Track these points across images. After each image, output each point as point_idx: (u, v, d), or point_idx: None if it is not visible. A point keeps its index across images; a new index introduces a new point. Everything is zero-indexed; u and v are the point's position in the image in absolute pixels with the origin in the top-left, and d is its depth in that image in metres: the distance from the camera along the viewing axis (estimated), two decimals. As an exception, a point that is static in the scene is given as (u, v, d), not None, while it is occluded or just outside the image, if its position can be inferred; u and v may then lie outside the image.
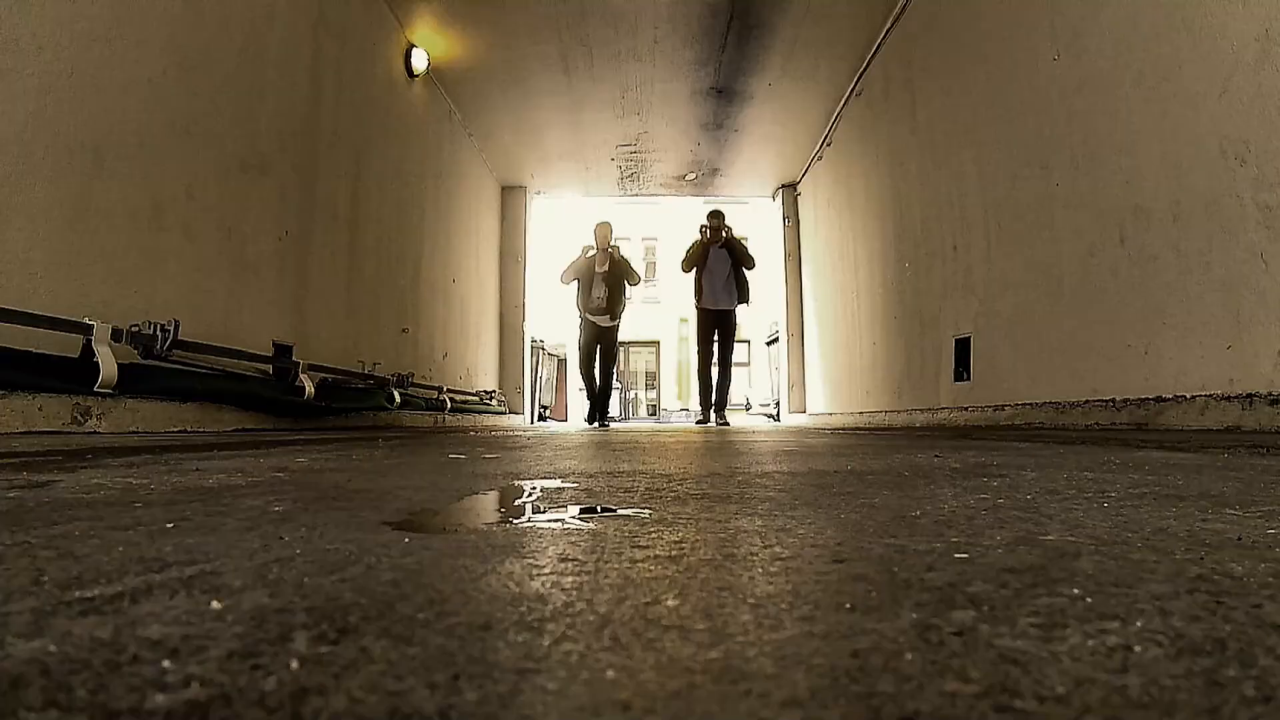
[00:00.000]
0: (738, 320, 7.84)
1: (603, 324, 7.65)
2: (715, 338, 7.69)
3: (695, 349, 7.84)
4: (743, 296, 7.72)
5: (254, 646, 0.37)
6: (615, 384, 8.20)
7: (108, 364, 2.77)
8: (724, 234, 7.68)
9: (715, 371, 7.70)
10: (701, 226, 7.77)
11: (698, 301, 7.75)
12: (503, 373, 10.02)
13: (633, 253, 25.49)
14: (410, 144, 6.63)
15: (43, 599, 0.46)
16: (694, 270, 7.75)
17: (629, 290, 7.78)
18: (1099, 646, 0.37)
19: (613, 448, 2.43)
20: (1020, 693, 0.32)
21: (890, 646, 0.37)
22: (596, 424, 7.41)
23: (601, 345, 7.71)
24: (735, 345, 7.86)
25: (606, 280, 7.59)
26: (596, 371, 7.71)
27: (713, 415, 7.69)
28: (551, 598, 0.47)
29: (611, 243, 7.63)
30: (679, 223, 24.07)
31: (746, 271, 7.69)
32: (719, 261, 7.65)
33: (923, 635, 0.39)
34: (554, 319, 12.25)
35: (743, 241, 7.96)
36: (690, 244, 7.85)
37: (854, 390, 7.70)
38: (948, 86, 5.23)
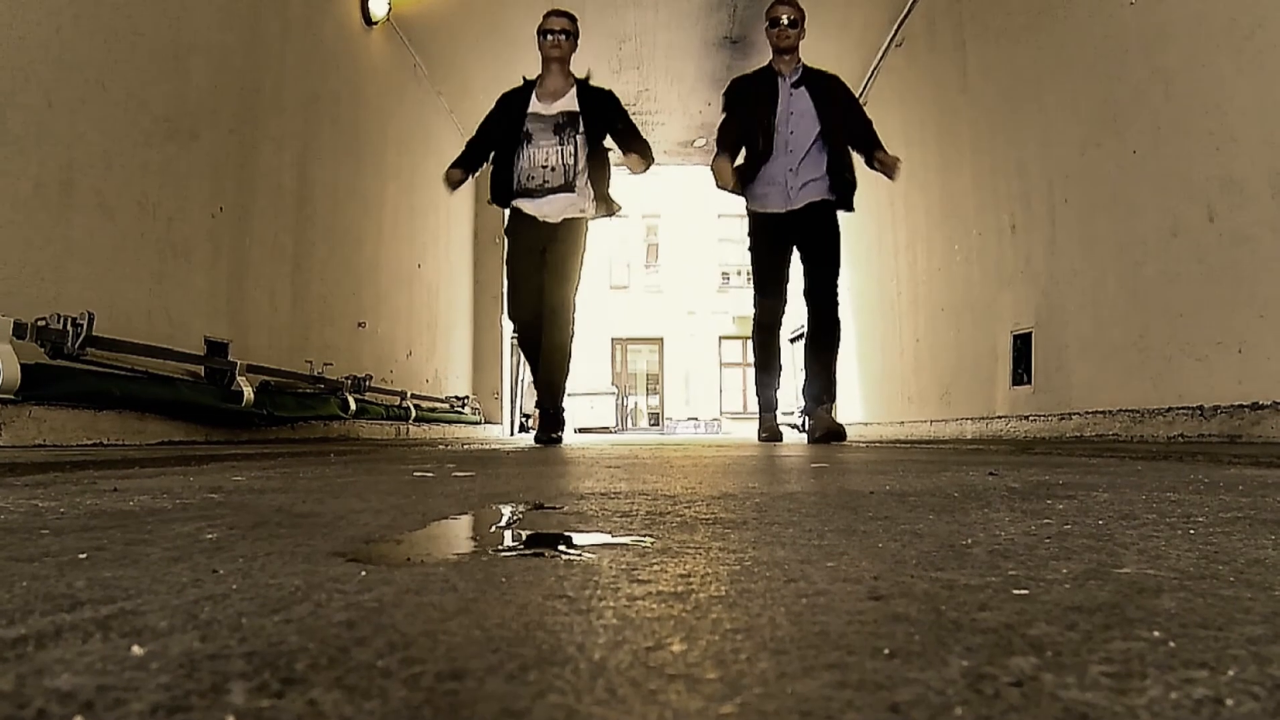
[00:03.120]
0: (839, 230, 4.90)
1: (551, 217, 4.58)
2: (800, 257, 4.88)
3: (753, 278, 5.02)
4: (846, 189, 4.81)
5: (183, 699, 0.37)
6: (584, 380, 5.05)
7: (9, 365, 2.77)
8: (797, 41, 4.86)
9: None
10: (767, 29, 4.95)
11: (751, 190, 4.87)
12: (477, 376, 10.03)
13: (632, 232, 24.87)
14: (368, 104, 6.63)
15: (-68, 643, 0.46)
16: (742, 134, 4.87)
17: (614, 183, 4.69)
18: (1183, 699, 0.37)
19: (607, 464, 2.43)
20: (1090, 754, 0.32)
21: (936, 699, 0.37)
22: (545, 437, 4.90)
23: (552, 262, 4.62)
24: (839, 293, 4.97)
25: (563, 129, 4.59)
26: (543, 316, 4.76)
27: (782, 416, 5.39)
28: (535, 641, 0.47)
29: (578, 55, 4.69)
30: (686, 197, 24.15)
31: (851, 148, 4.86)
32: (801, 111, 4.81)
33: (974, 686, 0.39)
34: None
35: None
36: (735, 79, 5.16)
37: (894, 396, 7.70)
38: (1005, 36, 5.24)
